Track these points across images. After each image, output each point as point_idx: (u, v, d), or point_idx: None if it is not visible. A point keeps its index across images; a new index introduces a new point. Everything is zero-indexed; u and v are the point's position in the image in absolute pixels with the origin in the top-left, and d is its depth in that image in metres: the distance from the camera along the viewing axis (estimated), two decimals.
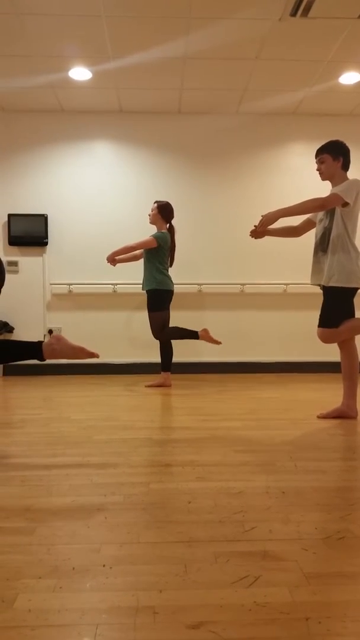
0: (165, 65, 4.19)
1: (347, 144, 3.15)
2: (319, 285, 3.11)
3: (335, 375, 4.89)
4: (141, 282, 4.40)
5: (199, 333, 4.24)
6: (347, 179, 3.04)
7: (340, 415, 3.08)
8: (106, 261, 4.30)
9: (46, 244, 5.11)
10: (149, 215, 4.38)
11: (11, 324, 5.09)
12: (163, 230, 4.30)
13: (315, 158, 3.19)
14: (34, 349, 2.21)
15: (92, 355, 2.25)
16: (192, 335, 4.25)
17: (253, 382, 4.61)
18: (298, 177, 5.26)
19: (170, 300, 4.35)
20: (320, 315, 3.10)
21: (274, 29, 3.65)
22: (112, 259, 4.25)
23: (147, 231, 5.16)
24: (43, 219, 5.09)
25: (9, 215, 5.05)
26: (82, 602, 1.20)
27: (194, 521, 1.63)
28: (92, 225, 5.12)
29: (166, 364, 4.38)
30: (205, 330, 4.24)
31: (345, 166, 3.11)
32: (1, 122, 5.12)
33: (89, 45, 3.89)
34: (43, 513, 1.70)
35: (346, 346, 3.07)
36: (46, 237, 5.09)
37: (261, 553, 1.42)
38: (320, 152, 3.16)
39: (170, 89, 4.63)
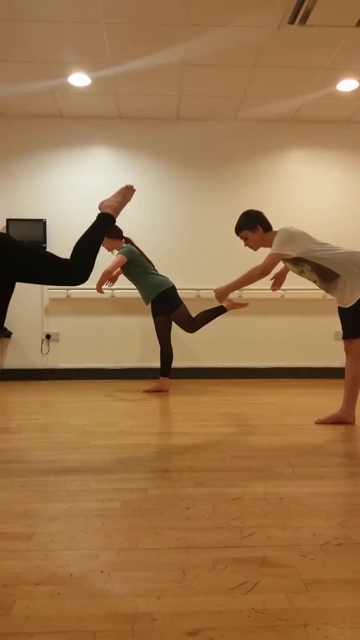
0: (164, 72, 4.21)
1: (256, 210, 3.26)
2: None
3: (332, 380, 4.90)
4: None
5: (225, 305, 4.27)
6: (274, 235, 3.08)
7: (338, 421, 3.08)
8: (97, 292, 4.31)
9: (45, 249, 5.12)
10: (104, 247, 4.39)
11: (9, 328, 5.09)
12: (123, 245, 4.32)
13: (238, 237, 3.30)
14: (103, 220, 2.37)
15: (130, 188, 2.50)
16: (220, 310, 4.28)
17: (251, 388, 4.61)
18: (296, 183, 5.28)
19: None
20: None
21: (273, 37, 3.67)
22: (100, 290, 4.25)
23: (144, 235, 5.18)
24: (42, 224, 5.09)
25: (8, 220, 5.05)
26: (80, 608, 1.19)
27: (192, 527, 1.63)
28: None
29: (165, 369, 4.38)
30: (229, 301, 4.29)
31: (267, 228, 3.20)
32: (0, 128, 5.13)
33: (88, 52, 3.90)
34: (41, 519, 1.70)
35: (353, 352, 3.06)
36: (45, 242, 5.09)
37: (259, 559, 1.42)
38: (238, 233, 3.28)
39: (169, 95, 4.65)
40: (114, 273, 4.36)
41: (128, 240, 4.38)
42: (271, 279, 3.51)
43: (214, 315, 4.31)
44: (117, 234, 4.33)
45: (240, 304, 4.30)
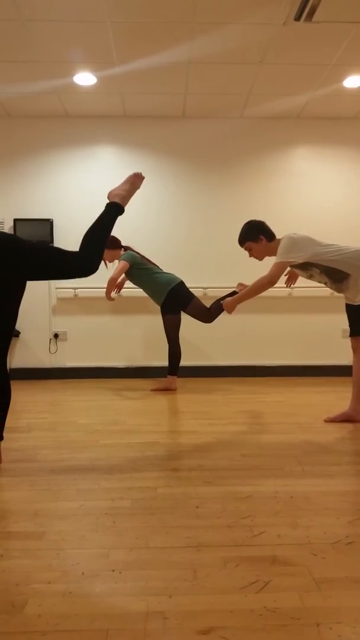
0: (170, 70, 4.20)
1: (258, 220, 3.27)
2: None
3: (340, 378, 4.88)
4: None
5: (237, 289, 4.23)
6: (279, 243, 3.08)
7: (347, 419, 3.07)
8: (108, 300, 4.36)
9: None
10: (107, 262, 4.40)
11: (17, 328, 5.10)
12: (122, 253, 4.35)
13: (242, 248, 3.33)
14: (113, 209, 2.35)
15: (138, 175, 2.49)
16: (233, 295, 4.24)
17: (259, 386, 4.60)
18: (302, 181, 5.26)
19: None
20: None
21: (278, 34, 3.65)
22: (109, 297, 4.29)
23: (150, 234, 5.18)
24: (49, 223, 5.10)
25: (15, 220, 5.06)
26: (92, 607, 1.20)
27: (203, 526, 1.63)
28: None
29: (173, 368, 4.38)
30: (241, 285, 4.25)
31: (270, 237, 3.20)
32: (7, 128, 5.14)
33: (93, 51, 3.90)
34: (51, 517, 1.71)
35: None
36: (52, 241, 5.10)
37: (270, 558, 1.42)
38: (242, 244, 3.29)
39: (175, 93, 4.65)
40: (120, 280, 4.38)
41: (127, 248, 4.40)
42: (285, 274, 3.52)
43: None
44: (116, 243, 4.35)
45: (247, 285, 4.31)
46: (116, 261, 4.39)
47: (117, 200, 2.38)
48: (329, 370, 5.16)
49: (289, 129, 5.24)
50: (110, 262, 4.42)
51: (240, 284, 4.31)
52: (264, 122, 5.22)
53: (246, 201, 5.24)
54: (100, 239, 2.28)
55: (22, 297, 2.28)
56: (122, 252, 4.37)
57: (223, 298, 4.29)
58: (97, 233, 2.29)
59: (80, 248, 2.25)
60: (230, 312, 3.30)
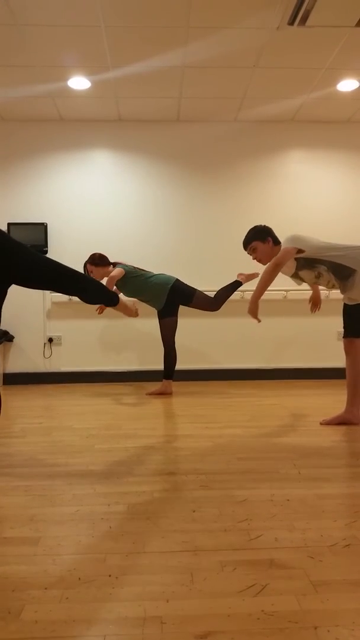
0: (164, 74, 4.21)
1: (265, 225, 3.35)
2: None
3: (336, 381, 4.89)
4: None
5: (240, 279, 4.36)
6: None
7: (343, 421, 3.07)
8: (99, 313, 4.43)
9: (46, 252, 5.12)
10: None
11: (11, 332, 5.09)
12: (112, 268, 4.34)
13: (247, 251, 3.36)
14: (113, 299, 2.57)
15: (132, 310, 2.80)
16: (236, 284, 4.34)
17: (254, 389, 4.60)
18: (297, 184, 5.28)
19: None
20: None
21: (272, 38, 3.67)
22: (101, 310, 4.34)
23: (146, 237, 5.19)
24: (43, 227, 5.09)
25: (9, 224, 5.05)
26: (89, 612, 1.19)
27: (199, 530, 1.62)
28: (91, 234, 5.12)
29: (169, 372, 4.37)
30: (241, 275, 4.38)
31: (276, 241, 3.26)
32: (1, 132, 5.13)
33: (88, 55, 3.91)
34: (47, 523, 1.70)
35: (352, 353, 3.06)
36: (46, 245, 5.09)
37: (267, 561, 1.42)
38: (247, 244, 3.33)
39: (169, 97, 4.66)
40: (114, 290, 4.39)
41: (116, 263, 4.41)
42: (309, 302, 3.67)
43: (231, 290, 4.36)
44: (104, 261, 4.36)
45: (252, 274, 4.34)
46: (105, 278, 4.39)
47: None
48: (324, 372, 5.17)
49: (283, 132, 5.26)
50: (99, 280, 4.41)
51: (240, 274, 4.39)
52: (259, 126, 5.24)
53: (241, 204, 5.25)
54: (105, 294, 2.51)
55: (4, 299, 2.22)
56: (111, 268, 4.36)
57: (228, 285, 4.36)
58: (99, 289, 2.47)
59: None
60: (255, 316, 3.20)
